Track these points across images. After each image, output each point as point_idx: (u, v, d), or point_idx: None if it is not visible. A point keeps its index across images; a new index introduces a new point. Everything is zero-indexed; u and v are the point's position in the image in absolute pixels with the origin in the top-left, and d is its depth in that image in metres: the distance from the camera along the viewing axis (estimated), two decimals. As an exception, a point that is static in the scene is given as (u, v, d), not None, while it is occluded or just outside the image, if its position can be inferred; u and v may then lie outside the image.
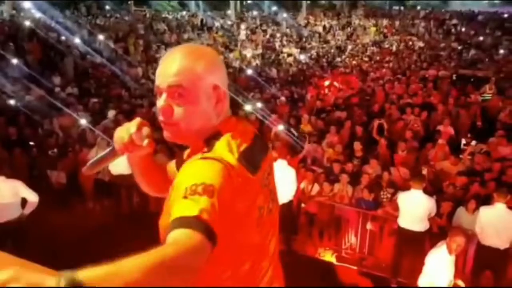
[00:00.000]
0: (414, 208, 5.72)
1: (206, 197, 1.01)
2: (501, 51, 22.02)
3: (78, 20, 18.41)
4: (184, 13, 26.74)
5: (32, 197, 5.45)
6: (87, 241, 6.24)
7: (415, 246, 5.79)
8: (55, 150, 8.28)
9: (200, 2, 29.88)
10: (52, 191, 7.78)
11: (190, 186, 1.03)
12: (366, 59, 20.67)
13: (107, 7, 24.13)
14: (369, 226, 6.69)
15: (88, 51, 14.79)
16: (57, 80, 12.49)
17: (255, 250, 1.21)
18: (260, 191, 1.21)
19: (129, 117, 9.78)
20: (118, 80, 13.57)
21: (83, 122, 9.16)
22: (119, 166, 7.28)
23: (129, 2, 27.59)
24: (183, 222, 0.96)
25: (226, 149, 1.16)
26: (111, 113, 9.71)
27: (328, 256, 6.81)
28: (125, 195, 7.59)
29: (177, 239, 0.93)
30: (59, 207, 7.18)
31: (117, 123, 9.24)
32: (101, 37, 16.15)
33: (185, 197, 1.01)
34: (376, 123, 9.54)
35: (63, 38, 15.18)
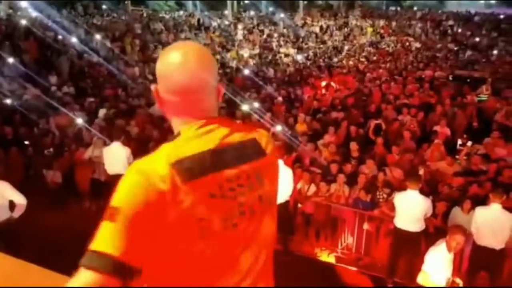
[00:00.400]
0: (410, 209, 5.73)
1: (113, 224, 1.05)
2: (497, 52, 22.12)
3: (75, 20, 18.37)
4: (181, 12, 26.72)
5: (20, 200, 5.22)
6: (83, 241, 6.18)
7: (411, 246, 5.80)
8: (51, 149, 8.26)
9: (197, 2, 29.92)
10: (48, 190, 7.76)
11: (108, 208, 1.08)
12: (363, 59, 20.69)
13: (104, 7, 24.08)
14: (365, 226, 6.70)
15: (85, 50, 14.76)
16: (53, 79, 12.46)
17: (205, 262, 1.14)
18: (200, 201, 1.11)
19: (126, 117, 9.84)
20: (114, 80, 13.55)
21: (79, 121, 9.15)
22: (116, 165, 7.28)
23: (126, 2, 27.54)
24: (88, 259, 1.04)
25: (166, 152, 1.14)
26: (101, 112, 9.67)
27: (325, 256, 6.81)
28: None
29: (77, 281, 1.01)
30: (55, 207, 7.16)
31: (110, 121, 9.26)
32: (98, 36, 16.12)
33: (102, 219, 1.06)
34: (373, 123, 9.56)
35: (59, 37, 15.15)
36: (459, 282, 4.53)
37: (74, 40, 15.05)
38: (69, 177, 7.88)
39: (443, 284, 4.39)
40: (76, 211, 7.54)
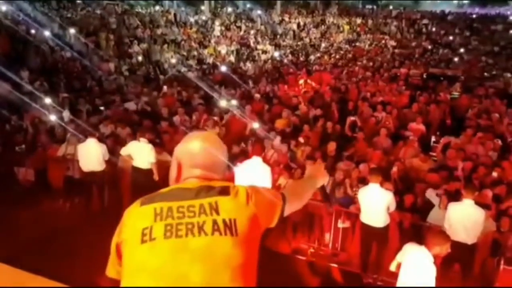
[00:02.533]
0: (372, 202, 5.78)
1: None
2: (470, 51, 22.62)
3: (48, 13, 17.92)
4: (157, 8, 26.35)
5: None
6: (56, 240, 6.10)
7: (377, 240, 5.88)
8: (23, 146, 8.06)
9: (174, -3, 29.54)
10: (20, 188, 7.58)
11: None
12: (340, 57, 20.86)
13: (78, 1, 23.56)
14: (340, 225, 6.75)
15: (58, 45, 14.43)
16: (25, 74, 12.14)
17: (144, 266, 1.32)
18: (145, 217, 1.40)
19: (100, 113, 9.68)
20: (89, 75, 13.30)
21: (52, 117, 8.95)
22: (91, 162, 7.16)
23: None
24: None
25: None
26: (66, 114, 9.43)
27: (302, 253, 6.84)
28: (97, 192, 7.43)
29: None
30: (27, 205, 6.98)
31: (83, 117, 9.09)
32: (71, 31, 15.77)
33: None
34: (349, 120, 9.64)
35: (32, 31, 14.75)
36: None
37: (47, 34, 14.69)
38: (42, 175, 7.70)
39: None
40: (49, 209, 7.37)
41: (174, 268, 1.29)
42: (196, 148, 1.59)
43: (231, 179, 1.73)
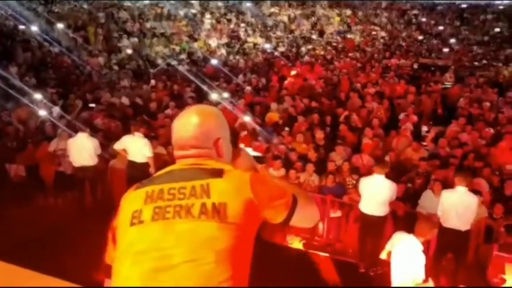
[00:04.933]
0: (376, 193, 5.82)
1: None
2: (460, 41, 22.71)
3: (35, 8, 17.68)
4: (146, 1, 26.11)
5: None
6: (49, 236, 6.06)
7: (376, 230, 5.91)
8: (14, 143, 7.98)
9: (163, -10, 29.26)
10: (11, 184, 7.50)
11: None
12: (331, 48, 20.84)
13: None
14: (334, 214, 6.77)
15: (46, 39, 14.25)
16: (13, 70, 11.98)
17: (130, 248, 1.33)
18: (137, 199, 1.40)
19: (90, 107, 9.60)
20: (78, 70, 13.17)
21: (42, 113, 8.85)
22: (82, 157, 7.10)
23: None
24: None
25: None
26: (55, 109, 9.35)
27: (296, 243, 6.85)
28: (89, 188, 7.37)
29: None
30: (19, 201, 6.91)
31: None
32: (59, 25, 15.58)
33: None
34: (343, 114, 9.60)
35: (20, 26, 14.56)
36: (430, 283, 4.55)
37: (34, 29, 14.50)
38: (33, 171, 7.62)
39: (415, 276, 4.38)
40: (41, 205, 7.32)
41: (158, 250, 1.28)
42: (180, 123, 1.53)
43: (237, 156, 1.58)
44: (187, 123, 1.51)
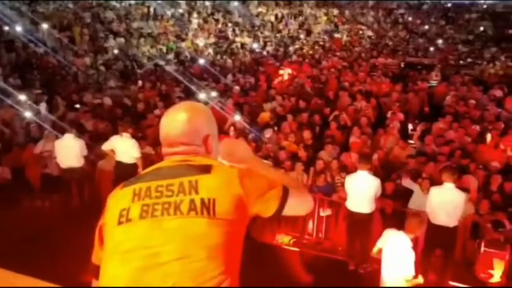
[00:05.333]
0: (361, 189, 5.86)
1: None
2: (445, 40, 22.96)
3: (19, 8, 17.44)
4: (132, 1, 25.93)
5: None
6: (36, 239, 5.98)
7: (363, 227, 5.94)
8: (-1, 144, 7.88)
9: (150, -10, 29.07)
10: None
11: None
12: (318, 47, 20.90)
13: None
14: (323, 213, 6.79)
15: (31, 40, 14.06)
16: (-2, 71, 11.83)
17: (118, 247, 1.31)
18: (124, 197, 1.38)
19: (77, 108, 9.50)
20: (64, 71, 13.02)
21: (27, 114, 8.74)
22: (69, 158, 7.02)
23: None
24: None
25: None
26: (42, 106, 9.25)
27: (286, 242, 6.86)
28: (76, 189, 7.29)
29: None
30: (4, 204, 6.81)
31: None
32: (44, 25, 15.39)
33: None
34: (333, 113, 9.62)
35: (3, 27, 14.34)
36: (421, 279, 4.58)
37: (19, 29, 14.30)
38: (19, 173, 7.52)
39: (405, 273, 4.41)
40: (28, 207, 7.23)
41: (147, 248, 1.27)
42: (169, 120, 1.51)
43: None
44: (176, 120, 1.49)
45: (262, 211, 1.47)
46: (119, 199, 1.41)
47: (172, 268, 1.24)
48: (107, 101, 10.35)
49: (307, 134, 8.24)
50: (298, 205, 1.60)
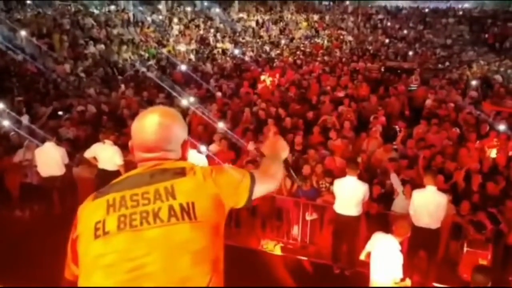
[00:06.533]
0: (349, 194, 5.92)
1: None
2: (424, 44, 23.34)
3: (-4, 15, 17.15)
4: (112, 7, 25.72)
5: None
6: (17, 250, 5.85)
7: (351, 229, 5.99)
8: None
9: (129, -4, 28.92)
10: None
11: None
12: (300, 53, 21.03)
13: (28, 1, 22.68)
14: (308, 217, 6.79)
15: (8, 47, 13.82)
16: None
17: (98, 262, 1.26)
18: (97, 209, 1.34)
19: (58, 116, 9.36)
20: (43, 78, 12.83)
21: (6, 123, 8.56)
22: (50, 167, 6.90)
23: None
24: None
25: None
26: (25, 119, 9.10)
27: (271, 247, 6.85)
28: (57, 197, 7.16)
29: None
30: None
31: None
32: (23, 33, 15.15)
33: None
34: (322, 118, 9.64)
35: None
36: (408, 283, 4.64)
37: (-4, 36, 14.07)
38: (-2, 183, 7.36)
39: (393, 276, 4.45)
40: (7, 217, 7.05)
41: (130, 261, 1.24)
42: (147, 125, 1.48)
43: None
44: (153, 125, 1.47)
45: (235, 203, 1.49)
46: (92, 212, 1.36)
47: (158, 278, 1.22)
48: (90, 108, 10.22)
49: (298, 139, 8.25)
50: (265, 187, 1.63)
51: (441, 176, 6.70)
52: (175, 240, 1.27)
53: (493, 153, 8.12)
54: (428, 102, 11.37)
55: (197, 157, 6.34)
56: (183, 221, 1.29)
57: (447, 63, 19.11)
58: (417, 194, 5.71)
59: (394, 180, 6.64)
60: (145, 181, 1.37)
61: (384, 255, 4.48)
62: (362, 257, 4.90)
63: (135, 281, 1.22)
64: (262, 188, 1.59)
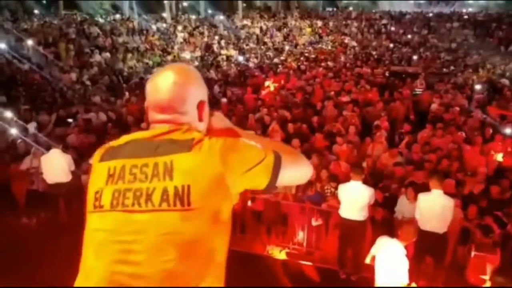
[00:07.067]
0: (354, 198, 5.90)
1: None
2: (428, 48, 23.32)
3: (3, 25, 17.36)
4: (117, 16, 25.97)
5: None
6: (23, 256, 5.87)
7: (357, 234, 5.96)
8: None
9: (134, 5, 29.20)
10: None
11: None
12: (304, 58, 21.08)
13: (35, 11, 22.95)
14: (314, 223, 6.77)
15: (15, 57, 13.98)
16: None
17: (93, 236, 1.26)
18: (100, 177, 1.30)
19: (65, 124, 9.42)
20: (50, 87, 12.94)
21: (13, 131, 8.64)
22: (56, 174, 6.94)
23: (59, 2, 26.47)
24: None
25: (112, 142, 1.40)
26: (31, 126, 9.17)
27: (277, 253, 6.83)
28: (63, 204, 7.19)
29: None
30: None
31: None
32: (29, 42, 15.33)
33: None
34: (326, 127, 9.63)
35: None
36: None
37: (2, 46, 14.22)
38: (4, 190, 7.39)
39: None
40: (15, 224, 7.09)
41: (117, 243, 1.20)
42: (161, 83, 1.37)
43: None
44: (168, 84, 1.36)
45: (252, 186, 1.33)
46: (95, 176, 1.33)
47: (142, 269, 1.17)
48: (101, 116, 10.30)
49: (295, 143, 8.24)
50: (294, 173, 1.43)
51: (452, 181, 6.69)
52: (163, 229, 1.19)
53: (499, 157, 8.08)
54: (434, 106, 11.35)
55: None
56: (174, 208, 1.20)
57: (452, 67, 19.08)
58: (423, 198, 5.68)
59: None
60: (149, 151, 1.28)
61: (389, 259, 4.46)
62: (367, 260, 4.88)
63: (120, 265, 1.18)
64: (291, 172, 1.39)
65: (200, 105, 1.40)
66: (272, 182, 1.32)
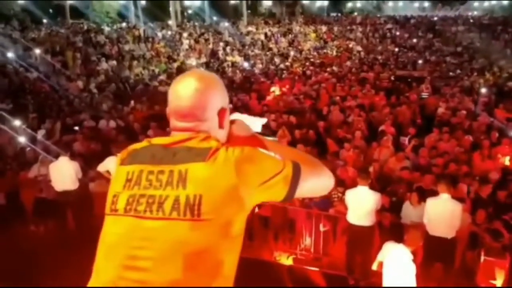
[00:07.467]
0: (361, 204, 5.87)
1: None
2: (434, 52, 23.27)
3: (10, 34, 17.55)
4: (123, 24, 26.16)
5: None
6: (31, 264, 5.90)
7: (365, 240, 5.94)
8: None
9: (140, 13, 29.44)
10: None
11: None
12: (309, 64, 21.10)
13: (43, 21, 23.20)
14: (322, 228, 6.75)
15: (23, 66, 14.12)
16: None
17: (105, 237, 1.28)
18: (122, 180, 1.31)
19: (73, 131, 9.49)
20: (57, 95, 13.05)
21: (21, 139, 8.72)
22: (64, 182, 6.97)
23: (66, 11, 26.78)
24: None
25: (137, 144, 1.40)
26: (40, 133, 9.26)
27: (284, 259, 6.81)
28: (71, 212, 7.22)
29: None
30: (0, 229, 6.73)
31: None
32: (37, 51, 15.49)
33: None
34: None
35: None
36: None
37: (11, 55, 14.37)
38: (14, 198, 7.44)
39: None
40: (23, 232, 7.13)
41: (126, 248, 1.21)
42: (182, 90, 1.35)
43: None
44: (189, 90, 1.34)
45: (270, 198, 1.32)
46: (115, 179, 1.34)
47: (148, 276, 1.17)
48: (111, 123, 10.38)
49: (300, 148, 8.24)
50: (314, 184, 1.38)
51: (464, 186, 6.65)
52: (171, 238, 1.19)
53: (506, 160, 8.03)
54: (440, 110, 11.31)
55: None
56: (184, 218, 1.19)
57: (458, 71, 19.03)
58: (431, 203, 5.65)
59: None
60: (166, 158, 1.28)
61: (395, 265, 4.44)
62: (374, 267, 4.86)
63: (127, 271, 1.19)
64: (311, 184, 1.36)
65: (221, 112, 1.39)
66: (290, 194, 1.30)
